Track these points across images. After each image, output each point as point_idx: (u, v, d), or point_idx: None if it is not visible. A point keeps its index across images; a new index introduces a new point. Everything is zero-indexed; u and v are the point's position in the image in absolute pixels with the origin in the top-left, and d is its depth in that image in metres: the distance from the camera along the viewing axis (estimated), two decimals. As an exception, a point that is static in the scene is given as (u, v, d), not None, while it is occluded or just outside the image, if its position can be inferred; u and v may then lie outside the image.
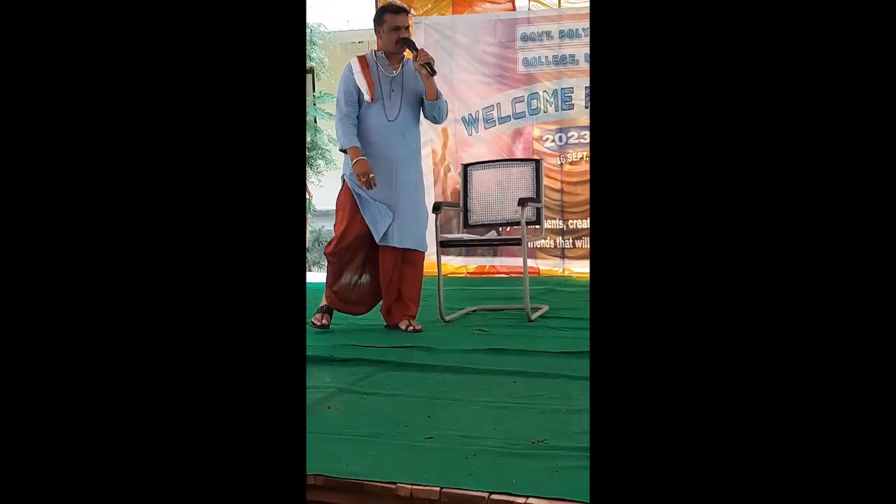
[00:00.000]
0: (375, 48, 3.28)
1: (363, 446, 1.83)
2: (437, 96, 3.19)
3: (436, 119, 3.28)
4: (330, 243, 3.27)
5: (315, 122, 7.29)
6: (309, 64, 7.08)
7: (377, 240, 3.16)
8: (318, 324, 3.23)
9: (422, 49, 3.20)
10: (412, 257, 3.27)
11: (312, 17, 6.92)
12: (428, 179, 5.38)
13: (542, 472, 1.61)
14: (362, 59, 3.22)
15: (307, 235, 6.87)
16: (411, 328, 3.24)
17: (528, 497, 1.50)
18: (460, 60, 5.28)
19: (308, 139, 6.95)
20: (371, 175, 3.09)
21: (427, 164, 5.39)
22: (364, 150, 3.13)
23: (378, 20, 3.21)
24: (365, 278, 3.29)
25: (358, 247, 3.22)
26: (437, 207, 3.61)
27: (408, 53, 3.27)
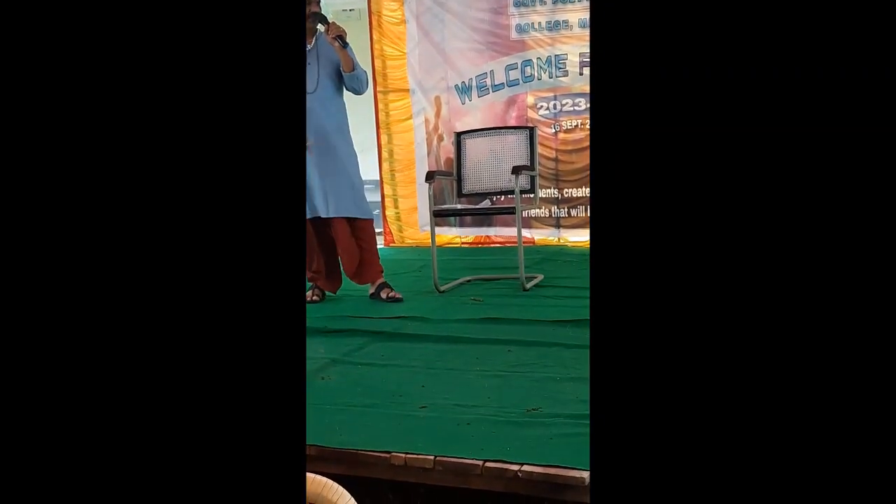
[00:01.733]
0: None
1: (357, 416, 1.83)
2: (354, 67, 3.22)
3: (356, 90, 3.31)
4: None
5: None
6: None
7: (322, 214, 3.21)
8: (308, 300, 3.30)
9: (332, 22, 3.21)
10: (361, 225, 3.32)
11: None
12: (421, 149, 5.34)
13: (537, 439, 1.61)
14: None
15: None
16: (391, 296, 3.28)
17: (522, 464, 1.50)
18: (452, 28, 5.20)
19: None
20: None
21: (420, 134, 5.35)
22: None
23: None
24: (324, 253, 3.35)
25: (308, 226, 3.27)
26: (429, 176, 3.58)
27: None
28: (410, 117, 5.40)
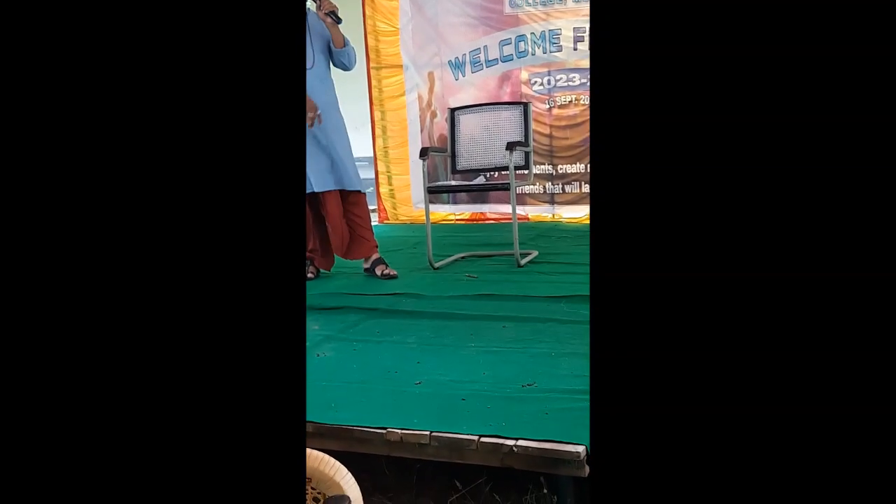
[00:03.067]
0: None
1: (353, 393, 1.83)
2: (345, 43, 3.23)
3: (345, 66, 3.31)
4: None
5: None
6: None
7: (315, 188, 3.19)
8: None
9: None
10: (355, 197, 3.32)
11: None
12: (414, 126, 5.32)
13: (532, 414, 1.61)
14: None
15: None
16: (387, 272, 3.28)
17: (517, 439, 1.50)
18: (445, 3, 5.16)
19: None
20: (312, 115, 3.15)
21: (413, 111, 5.32)
22: None
23: None
24: (318, 230, 3.35)
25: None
26: (423, 153, 3.57)
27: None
28: (404, 94, 5.37)
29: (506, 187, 3.44)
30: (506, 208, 4.87)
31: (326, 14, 3.13)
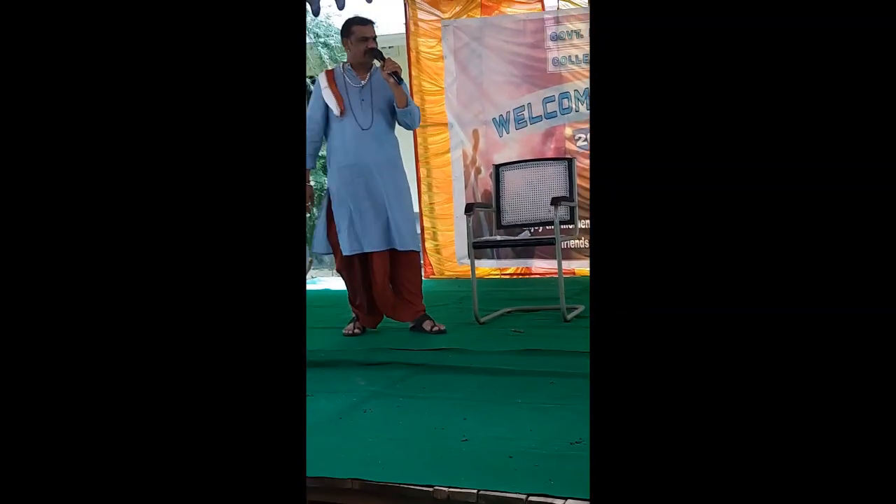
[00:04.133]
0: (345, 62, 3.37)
1: (399, 449, 1.82)
2: (408, 103, 3.25)
3: (408, 125, 3.35)
4: (338, 258, 3.35)
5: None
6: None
7: (345, 252, 3.22)
8: (349, 333, 3.32)
9: (388, 58, 3.24)
10: (406, 258, 3.30)
11: (341, 23, 6.96)
12: (458, 182, 5.37)
13: (581, 473, 1.58)
14: (329, 74, 3.31)
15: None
16: (436, 329, 3.26)
17: (566, 499, 1.47)
18: (490, 62, 5.26)
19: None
20: (309, 203, 3.29)
21: (458, 167, 5.38)
22: (341, 159, 3.22)
23: (346, 32, 3.30)
24: (365, 290, 3.34)
25: (352, 261, 3.28)
26: (469, 208, 3.60)
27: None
28: (449, 151, 5.45)
29: (551, 242, 3.44)
30: (551, 263, 4.85)
31: (389, 74, 3.15)
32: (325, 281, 6.07)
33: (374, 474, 1.67)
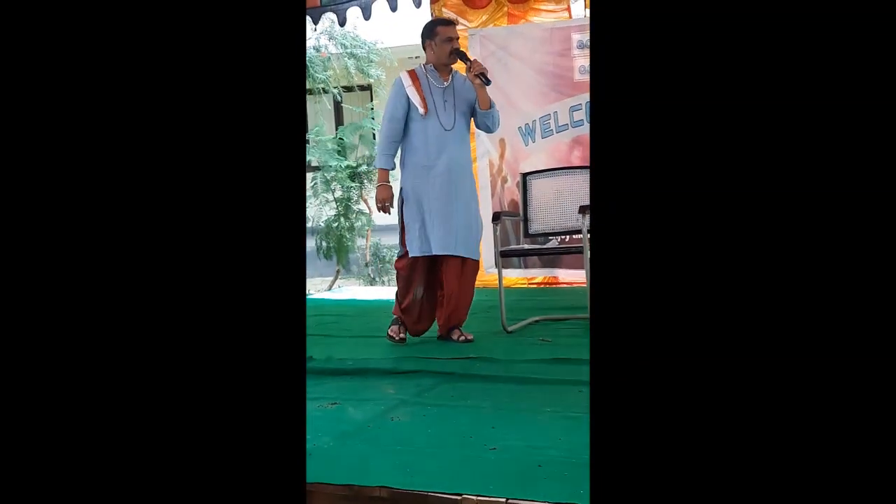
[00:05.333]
0: (424, 62, 3.32)
1: (427, 458, 1.82)
2: (491, 105, 3.21)
3: (489, 128, 3.29)
4: (400, 257, 3.28)
5: (374, 137, 7.37)
6: (367, 80, 7.16)
7: (414, 252, 3.15)
8: (396, 337, 3.21)
9: (475, 59, 3.22)
10: (471, 268, 3.26)
11: (369, 34, 7.00)
12: (485, 192, 5.37)
13: (611, 482, 1.57)
14: (412, 73, 3.25)
15: (367, 250, 6.92)
16: (462, 338, 3.22)
17: (596, 508, 1.46)
18: (516, 71, 5.26)
19: (367, 153, 7.00)
20: (388, 204, 3.19)
21: (484, 176, 5.38)
22: (421, 159, 3.17)
23: (429, 33, 3.25)
24: (422, 295, 3.27)
25: (416, 262, 3.21)
26: (496, 217, 3.59)
27: (461, 69, 3.27)
28: (475, 160, 5.45)
29: (579, 251, 3.42)
30: (579, 272, 4.83)
31: (476, 75, 3.12)
32: (351, 290, 6.10)
33: (403, 482, 1.66)
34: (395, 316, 3.28)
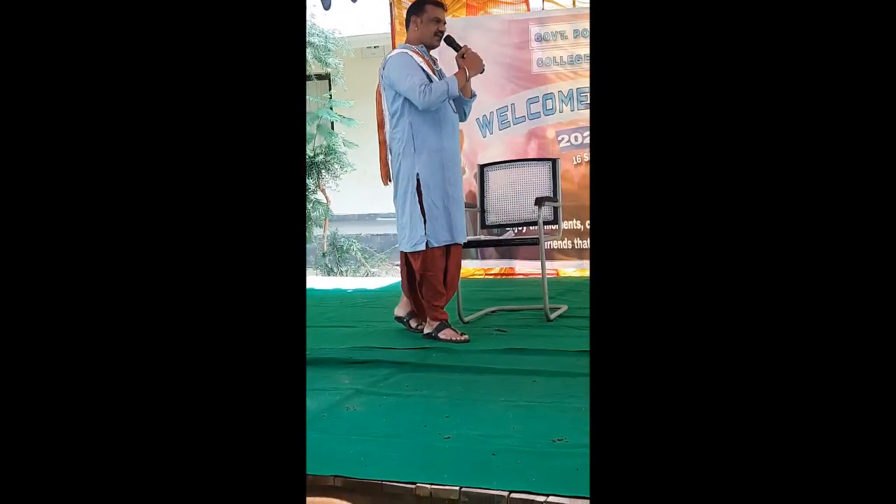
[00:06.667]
0: (405, 41, 3.20)
1: (383, 447, 1.82)
2: (473, 94, 3.17)
3: (465, 115, 3.23)
4: (415, 252, 3.08)
5: (332, 126, 7.30)
6: (324, 70, 7.08)
7: (438, 242, 3.03)
8: (459, 337, 3.01)
9: (465, 47, 3.14)
10: (458, 252, 3.22)
11: (327, 23, 6.92)
12: (444, 182, 5.38)
13: (563, 470, 1.60)
14: (414, 52, 3.10)
15: (324, 240, 6.87)
16: (419, 327, 3.20)
17: (548, 495, 1.48)
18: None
19: (324, 143, 6.93)
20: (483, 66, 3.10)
21: (443, 167, 5.38)
22: (434, 143, 3.03)
23: (418, 10, 3.10)
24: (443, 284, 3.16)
25: (436, 253, 3.07)
26: (453, 209, 3.59)
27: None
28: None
29: (535, 242, 3.45)
30: (535, 264, 4.87)
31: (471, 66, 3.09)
32: (308, 280, 6.05)
33: (357, 471, 1.67)
34: (409, 315, 3.22)
